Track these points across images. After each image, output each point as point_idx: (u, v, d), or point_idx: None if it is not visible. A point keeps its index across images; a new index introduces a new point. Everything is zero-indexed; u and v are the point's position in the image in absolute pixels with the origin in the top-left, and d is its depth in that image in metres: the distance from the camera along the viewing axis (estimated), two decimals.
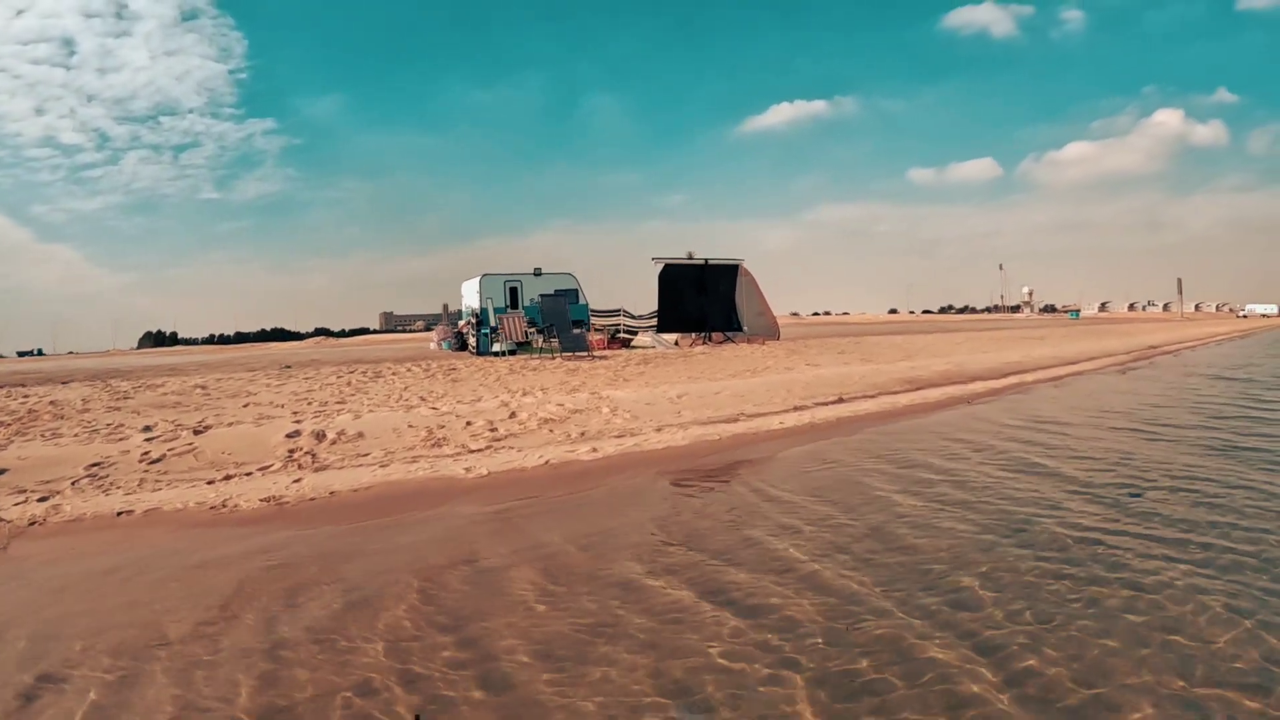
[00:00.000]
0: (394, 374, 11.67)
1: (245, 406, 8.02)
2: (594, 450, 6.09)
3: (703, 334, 18.20)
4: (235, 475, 5.29)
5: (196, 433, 6.44)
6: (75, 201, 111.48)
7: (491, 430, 6.78)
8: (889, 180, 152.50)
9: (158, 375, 13.16)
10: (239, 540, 4.08)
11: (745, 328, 18.90)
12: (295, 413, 7.43)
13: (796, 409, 8.05)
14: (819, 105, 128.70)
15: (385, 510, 4.61)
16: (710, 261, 18.61)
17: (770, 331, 19.56)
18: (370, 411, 7.46)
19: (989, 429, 6.96)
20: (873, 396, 8.95)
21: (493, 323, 16.85)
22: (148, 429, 6.76)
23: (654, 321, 18.97)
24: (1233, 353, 19.25)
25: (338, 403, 8.20)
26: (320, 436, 6.33)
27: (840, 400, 8.60)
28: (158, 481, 5.23)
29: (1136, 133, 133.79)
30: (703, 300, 18.40)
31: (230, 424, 6.91)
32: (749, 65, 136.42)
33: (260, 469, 5.46)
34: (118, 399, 8.89)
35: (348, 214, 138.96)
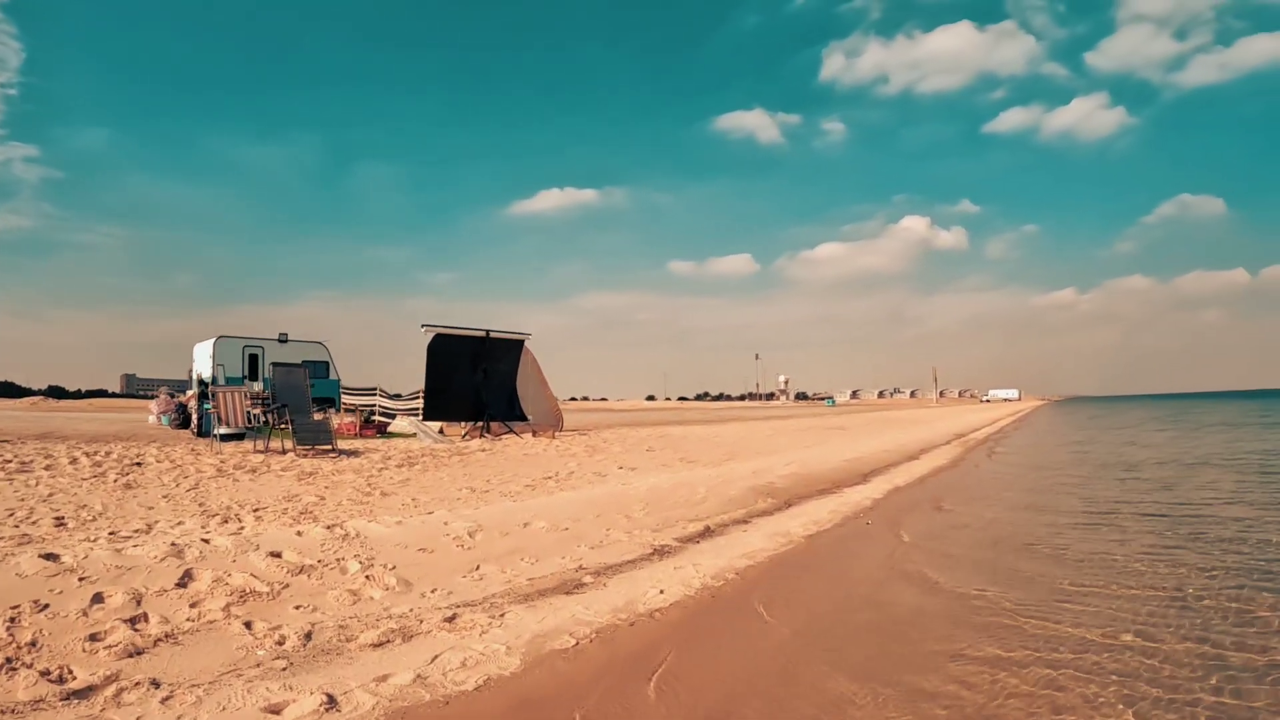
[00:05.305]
0: (49, 467, 7.45)
1: None
2: (327, 703, 2.83)
3: (479, 423, 15.02)
4: None
5: None
6: None
7: (133, 624, 3.14)
8: (651, 271, 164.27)
9: None
10: None
11: (530, 416, 16.16)
12: None
13: (659, 552, 5.47)
14: (589, 194, 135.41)
15: None
16: (492, 334, 15.73)
17: (554, 420, 17.05)
18: None
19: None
20: (745, 522, 6.74)
21: None
22: None
23: (418, 403, 15.34)
24: (1039, 440, 17.87)
25: None
26: None
27: (708, 532, 6.26)
28: None
29: (886, 236, 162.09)
30: (480, 381, 15.30)
31: None
32: (523, 148, 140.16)
33: None
34: None
35: (103, 263, 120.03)
